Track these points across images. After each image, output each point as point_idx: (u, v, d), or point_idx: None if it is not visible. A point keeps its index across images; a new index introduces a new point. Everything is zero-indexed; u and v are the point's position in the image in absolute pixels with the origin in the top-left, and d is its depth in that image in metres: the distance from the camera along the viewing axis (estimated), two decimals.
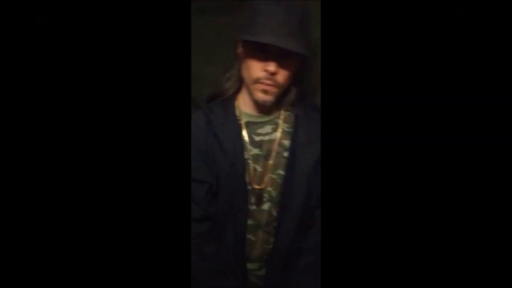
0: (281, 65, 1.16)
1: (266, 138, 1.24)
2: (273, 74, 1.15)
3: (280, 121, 1.25)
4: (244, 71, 1.21)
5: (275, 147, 1.23)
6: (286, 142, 1.23)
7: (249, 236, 1.21)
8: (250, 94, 1.22)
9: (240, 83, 1.26)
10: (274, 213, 1.21)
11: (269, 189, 1.22)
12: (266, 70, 1.15)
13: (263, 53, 1.14)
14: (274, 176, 1.22)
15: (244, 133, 1.23)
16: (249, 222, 1.21)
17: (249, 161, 1.22)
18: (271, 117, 1.26)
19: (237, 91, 1.27)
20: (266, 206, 1.21)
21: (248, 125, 1.24)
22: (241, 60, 1.21)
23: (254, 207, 1.21)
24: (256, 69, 1.16)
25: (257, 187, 1.20)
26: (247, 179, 1.21)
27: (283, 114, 1.26)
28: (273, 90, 1.18)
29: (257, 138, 1.24)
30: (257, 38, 1.09)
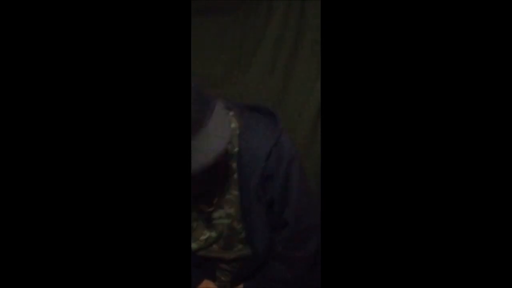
0: None
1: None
2: None
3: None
4: None
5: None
6: (233, 165, 1.16)
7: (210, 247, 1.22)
8: None
9: None
10: (236, 226, 1.20)
11: (225, 206, 1.19)
12: None
13: None
14: (229, 196, 1.18)
15: None
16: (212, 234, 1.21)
17: None
18: None
19: None
20: (224, 221, 1.20)
21: None
22: None
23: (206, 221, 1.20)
24: None
25: (207, 209, 1.18)
26: None
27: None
28: None
29: None
30: None
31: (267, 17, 1.59)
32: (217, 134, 1.02)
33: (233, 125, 1.15)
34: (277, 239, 1.21)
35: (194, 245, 1.22)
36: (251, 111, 1.21)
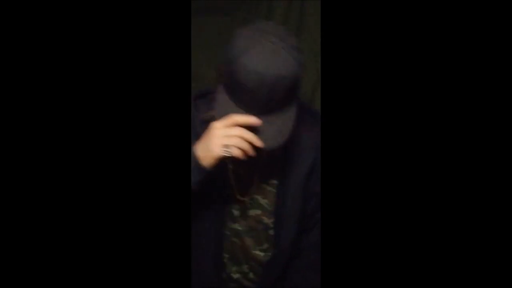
0: None
1: None
2: None
3: None
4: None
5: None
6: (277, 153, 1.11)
7: (234, 239, 1.17)
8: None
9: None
10: (266, 221, 1.16)
11: (257, 197, 1.14)
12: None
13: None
14: (265, 185, 1.14)
15: None
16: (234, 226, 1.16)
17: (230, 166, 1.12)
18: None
19: None
20: (252, 213, 1.15)
21: None
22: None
23: (237, 212, 1.15)
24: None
25: (241, 198, 1.12)
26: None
27: None
28: None
29: None
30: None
31: (267, 17, 1.59)
32: (285, 119, 0.99)
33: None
34: (305, 243, 1.17)
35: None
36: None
